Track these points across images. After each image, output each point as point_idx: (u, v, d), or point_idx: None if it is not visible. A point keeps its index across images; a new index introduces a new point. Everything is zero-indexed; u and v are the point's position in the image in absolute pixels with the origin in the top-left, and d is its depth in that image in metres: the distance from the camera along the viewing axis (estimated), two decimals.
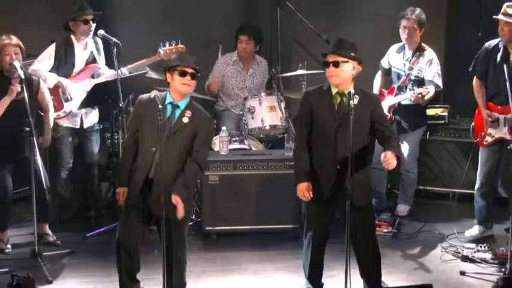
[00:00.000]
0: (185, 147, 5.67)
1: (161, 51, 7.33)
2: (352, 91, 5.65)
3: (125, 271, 5.88)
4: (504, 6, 6.96)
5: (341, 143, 5.69)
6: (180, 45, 7.38)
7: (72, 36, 7.45)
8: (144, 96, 5.81)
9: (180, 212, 5.56)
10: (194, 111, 5.69)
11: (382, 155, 5.63)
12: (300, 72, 7.90)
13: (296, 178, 5.91)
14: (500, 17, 6.94)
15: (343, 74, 5.74)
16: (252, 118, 7.89)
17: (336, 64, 5.73)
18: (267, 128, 7.88)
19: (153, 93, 5.67)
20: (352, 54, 5.78)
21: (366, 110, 5.74)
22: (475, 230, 7.46)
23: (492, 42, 7.17)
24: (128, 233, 5.81)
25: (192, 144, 5.68)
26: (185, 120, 5.63)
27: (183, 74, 5.66)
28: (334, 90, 5.80)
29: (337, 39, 5.89)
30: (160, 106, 5.47)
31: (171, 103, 5.69)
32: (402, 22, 7.56)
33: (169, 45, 7.37)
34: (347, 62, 5.74)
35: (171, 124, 5.65)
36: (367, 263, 5.96)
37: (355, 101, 5.59)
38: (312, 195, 5.84)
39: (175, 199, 5.54)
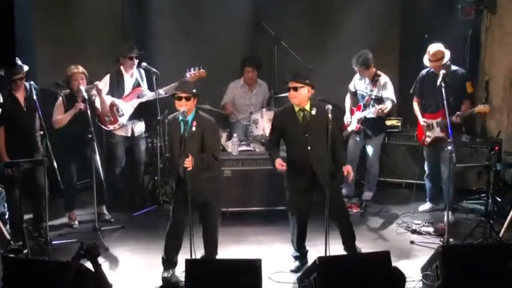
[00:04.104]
0: (198, 147, 5.72)
1: (187, 75, 7.19)
2: (308, 107, 5.85)
3: (176, 243, 5.88)
4: (429, 51, 7.02)
5: (310, 144, 5.81)
6: (201, 70, 7.22)
7: (122, 68, 7.44)
8: (170, 117, 5.95)
9: (188, 165, 5.56)
10: (198, 120, 5.74)
11: (345, 170, 5.92)
12: None
13: (272, 160, 6.02)
14: (429, 64, 7.05)
15: (301, 96, 5.88)
16: (256, 127, 7.91)
17: (295, 89, 5.86)
18: (267, 134, 7.87)
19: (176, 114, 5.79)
20: (307, 81, 5.88)
21: (322, 118, 5.81)
22: (426, 206, 7.54)
23: (425, 70, 7.29)
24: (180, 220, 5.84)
25: (202, 142, 5.73)
26: (194, 129, 5.67)
27: (179, 98, 5.71)
28: (296, 108, 5.93)
29: (295, 71, 6.02)
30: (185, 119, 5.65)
31: (182, 120, 5.72)
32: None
33: (194, 70, 7.24)
34: (303, 87, 5.84)
35: (185, 135, 5.66)
36: (344, 229, 6.02)
37: (312, 112, 5.84)
38: (286, 168, 5.93)
39: (190, 157, 5.57)
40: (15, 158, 6.40)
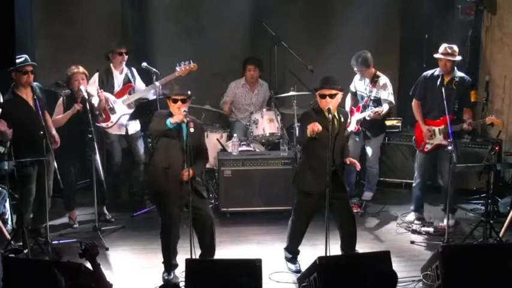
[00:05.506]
0: (196, 149, 5.70)
1: (178, 69, 7.15)
2: (335, 113, 5.76)
3: (173, 245, 5.87)
4: (444, 46, 6.95)
5: (335, 149, 5.73)
6: (192, 64, 7.19)
7: (111, 65, 7.42)
8: (160, 112, 5.95)
9: (185, 177, 5.58)
10: (193, 121, 5.70)
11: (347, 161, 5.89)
12: (291, 93, 7.89)
13: (305, 132, 5.70)
14: (441, 56, 6.91)
15: (336, 102, 5.78)
16: (256, 127, 7.90)
17: (332, 96, 5.75)
18: (267, 135, 7.89)
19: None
20: (340, 87, 5.81)
21: (343, 124, 5.87)
22: (411, 216, 7.35)
23: (429, 72, 7.14)
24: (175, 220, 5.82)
25: (199, 142, 5.77)
26: (192, 130, 5.60)
27: (175, 101, 5.70)
28: (327, 114, 5.76)
29: (326, 77, 5.85)
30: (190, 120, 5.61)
31: (178, 123, 5.67)
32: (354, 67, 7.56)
33: (184, 64, 7.20)
34: (337, 93, 5.77)
35: (183, 136, 5.66)
36: (351, 234, 5.94)
37: (342, 119, 5.83)
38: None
39: (191, 171, 5.58)
40: (26, 158, 6.33)
